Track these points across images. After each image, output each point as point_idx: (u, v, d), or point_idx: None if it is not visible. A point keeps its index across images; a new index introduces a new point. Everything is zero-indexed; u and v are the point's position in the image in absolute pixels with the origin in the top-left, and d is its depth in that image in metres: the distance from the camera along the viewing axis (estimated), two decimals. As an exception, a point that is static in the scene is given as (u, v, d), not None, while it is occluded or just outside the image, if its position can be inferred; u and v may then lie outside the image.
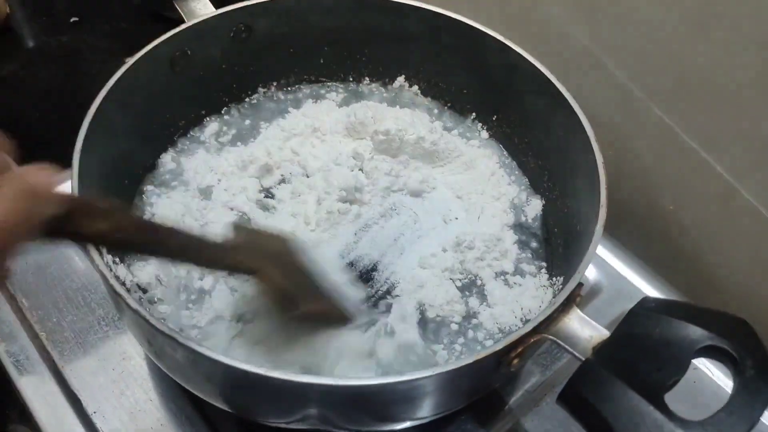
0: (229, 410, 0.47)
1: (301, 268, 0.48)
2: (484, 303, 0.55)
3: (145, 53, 0.54)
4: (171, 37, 0.56)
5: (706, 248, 0.68)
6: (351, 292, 0.52)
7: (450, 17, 0.60)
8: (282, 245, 0.48)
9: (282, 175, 0.61)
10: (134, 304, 0.40)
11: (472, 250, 0.57)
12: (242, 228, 0.45)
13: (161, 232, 0.38)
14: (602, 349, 0.40)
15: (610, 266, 0.65)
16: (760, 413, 0.36)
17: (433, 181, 0.62)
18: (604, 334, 0.41)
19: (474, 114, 0.66)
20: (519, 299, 0.55)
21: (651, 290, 0.64)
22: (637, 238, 0.69)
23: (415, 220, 0.60)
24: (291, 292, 0.44)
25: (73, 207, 0.32)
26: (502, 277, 0.57)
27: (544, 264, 0.58)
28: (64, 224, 0.31)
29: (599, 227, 0.46)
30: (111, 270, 0.47)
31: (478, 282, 0.56)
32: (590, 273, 0.65)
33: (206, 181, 0.60)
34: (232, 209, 0.58)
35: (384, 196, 0.61)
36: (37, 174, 0.28)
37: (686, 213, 0.68)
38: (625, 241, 0.68)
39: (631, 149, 0.69)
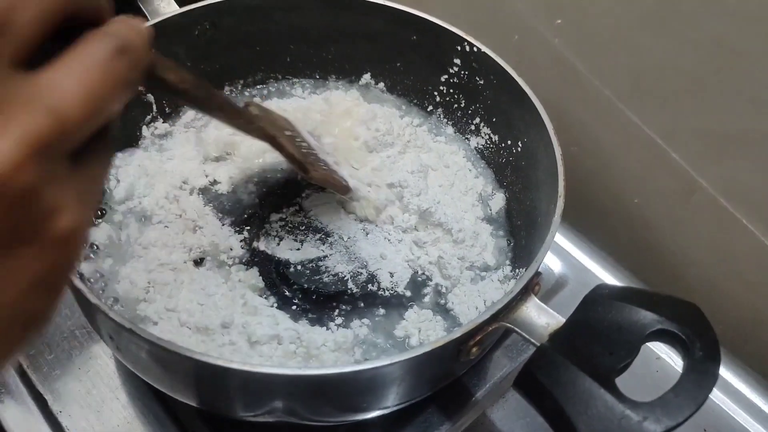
0: (194, 404, 0.47)
1: (306, 143, 0.54)
2: (448, 295, 0.56)
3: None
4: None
5: (669, 240, 0.69)
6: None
7: (411, 14, 0.60)
8: (289, 124, 0.54)
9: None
10: (93, 299, 0.40)
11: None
12: (255, 104, 0.50)
13: (210, 89, 0.41)
14: (557, 336, 0.41)
15: (575, 258, 0.67)
16: (707, 394, 0.37)
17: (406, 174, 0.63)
18: (560, 321, 0.42)
19: (440, 110, 0.67)
20: (482, 292, 0.55)
21: (615, 282, 0.65)
22: (602, 231, 0.70)
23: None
24: (302, 158, 0.51)
25: (156, 58, 0.34)
26: (470, 271, 0.57)
27: (509, 255, 0.59)
28: (151, 73, 0.33)
29: (557, 217, 0.47)
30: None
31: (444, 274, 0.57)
32: (556, 266, 0.66)
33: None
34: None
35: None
36: (133, 25, 0.27)
37: (650, 206, 0.69)
38: (590, 234, 0.69)
39: (595, 144, 0.71)
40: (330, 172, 0.55)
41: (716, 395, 0.58)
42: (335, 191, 0.58)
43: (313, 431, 0.53)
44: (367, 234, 0.59)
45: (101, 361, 0.55)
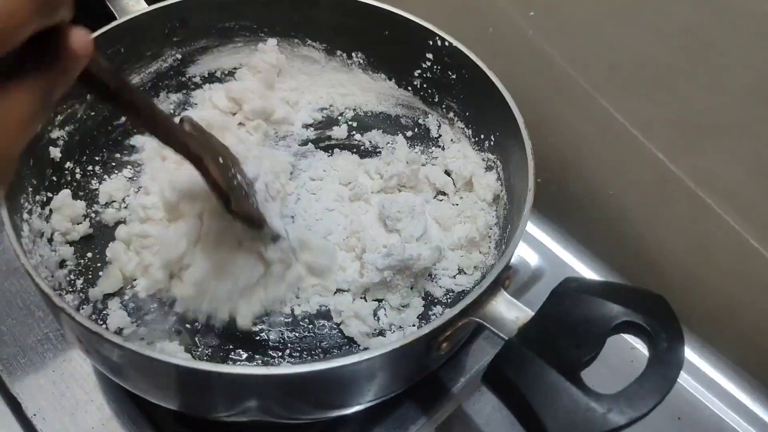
0: (168, 406, 0.47)
1: (236, 172, 0.49)
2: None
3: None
4: (100, 35, 0.55)
5: (645, 231, 0.69)
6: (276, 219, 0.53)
7: (381, 8, 0.60)
8: (224, 149, 0.50)
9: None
10: (59, 302, 0.40)
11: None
12: (192, 122, 0.47)
13: (137, 93, 0.40)
14: (525, 330, 0.41)
15: (551, 251, 0.67)
16: (672, 384, 0.37)
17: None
18: (530, 314, 0.42)
19: (414, 104, 0.67)
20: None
21: (592, 274, 0.66)
22: (578, 223, 0.71)
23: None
24: (226, 188, 0.47)
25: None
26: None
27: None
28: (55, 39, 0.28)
29: (526, 211, 0.47)
30: (37, 271, 0.46)
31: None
32: (532, 258, 0.66)
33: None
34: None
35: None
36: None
37: (625, 197, 0.70)
38: (566, 226, 0.69)
39: (570, 135, 0.71)
40: (254, 210, 0.50)
41: (690, 384, 0.59)
42: (250, 228, 0.51)
43: (290, 429, 0.53)
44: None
45: (75, 364, 0.54)
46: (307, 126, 0.66)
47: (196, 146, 0.45)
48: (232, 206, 0.47)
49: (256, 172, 0.52)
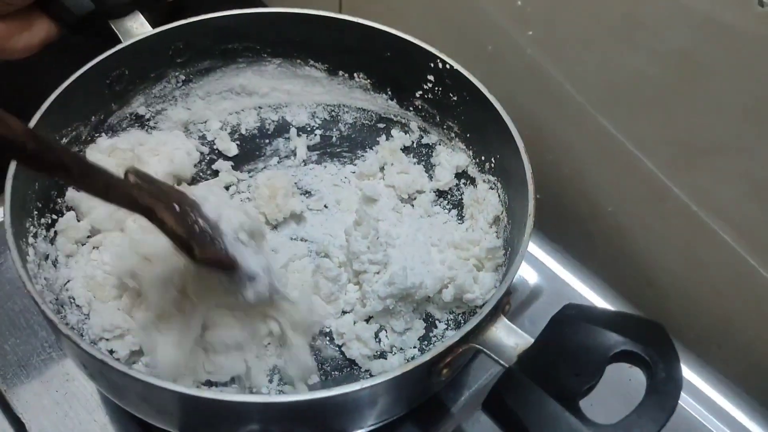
0: (171, 430, 0.47)
1: (196, 217, 0.46)
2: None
3: (79, 76, 0.54)
4: (105, 58, 0.56)
5: (643, 248, 0.70)
6: (252, 258, 0.48)
7: (383, 31, 0.61)
8: (180, 195, 0.46)
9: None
10: (65, 329, 0.40)
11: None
12: (138, 172, 0.44)
13: (76, 156, 0.40)
14: (525, 357, 0.41)
15: (549, 269, 0.67)
16: (670, 414, 0.37)
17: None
18: (529, 341, 0.43)
19: (415, 124, 0.67)
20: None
21: (589, 291, 0.66)
22: (576, 240, 0.71)
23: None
24: (186, 234, 0.44)
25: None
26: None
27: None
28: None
29: (526, 236, 0.48)
30: (42, 297, 0.47)
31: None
32: (531, 276, 0.66)
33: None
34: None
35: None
36: None
37: (624, 214, 0.70)
38: (565, 243, 0.70)
39: (569, 152, 0.71)
40: (222, 253, 0.46)
41: (686, 401, 0.59)
42: (222, 271, 0.47)
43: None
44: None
45: (78, 384, 0.55)
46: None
47: (144, 198, 0.42)
48: (196, 253, 0.44)
49: (217, 212, 0.47)
